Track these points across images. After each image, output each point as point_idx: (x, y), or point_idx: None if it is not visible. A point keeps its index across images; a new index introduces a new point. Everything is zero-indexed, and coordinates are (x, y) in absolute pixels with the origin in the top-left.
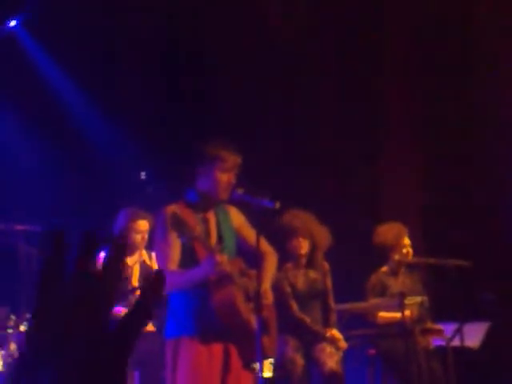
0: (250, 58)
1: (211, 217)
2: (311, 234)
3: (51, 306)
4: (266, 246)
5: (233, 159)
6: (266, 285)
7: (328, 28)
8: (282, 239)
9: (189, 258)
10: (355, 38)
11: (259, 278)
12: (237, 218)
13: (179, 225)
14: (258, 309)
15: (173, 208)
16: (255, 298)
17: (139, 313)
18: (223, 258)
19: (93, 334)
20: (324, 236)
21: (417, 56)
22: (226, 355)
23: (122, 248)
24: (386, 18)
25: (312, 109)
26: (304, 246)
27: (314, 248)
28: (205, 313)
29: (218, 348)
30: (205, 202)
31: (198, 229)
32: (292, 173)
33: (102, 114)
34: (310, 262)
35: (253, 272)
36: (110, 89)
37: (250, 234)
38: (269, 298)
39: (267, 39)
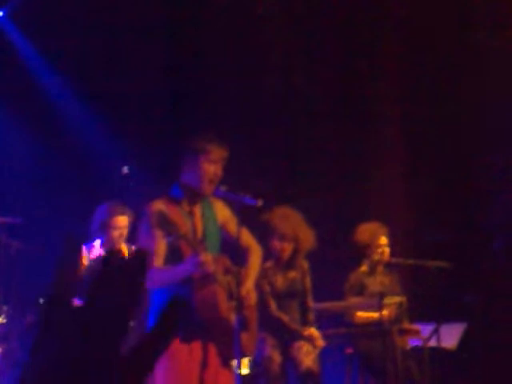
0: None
1: (197, 211)
2: (296, 238)
3: (60, 334)
4: (251, 241)
5: (219, 151)
6: (250, 284)
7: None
8: (265, 236)
9: (174, 255)
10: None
11: (243, 276)
12: (222, 212)
13: (165, 224)
14: (239, 308)
15: (158, 204)
16: (237, 297)
17: (155, 340)
18: (207, 257)
19: (107, 360)
20: (309, 240)
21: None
22: (205, 352)
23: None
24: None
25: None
26: (287, 250)
27: (296, 250)
28: (186, 311)
29: (197, 345)
30: (190, 197)
31: (184, 227)
32: (281, 174)
33: (87, 107)
34: (290, 263)
35: (237, 269)
36: (96, 82)
37: (235, 228)
38: (252, 298)
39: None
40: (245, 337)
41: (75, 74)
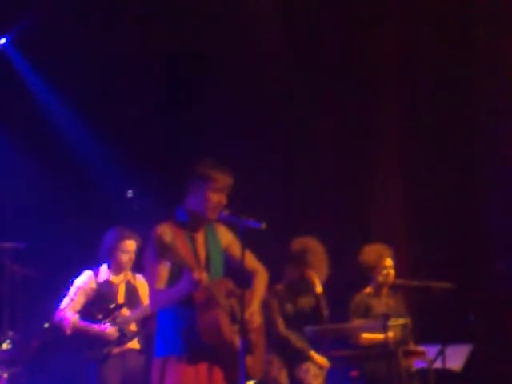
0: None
1: (200, 236)
2: (315, 271)
3: None
4: (256, 264)
5: (225, 180)
6: (255, 306)
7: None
8: (286, 261)
9: (176, 278)
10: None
11: (248, 299)
12: (225, 236)
13: (164, 250)
14: (243, 331)
15: (162, 228)
16: (241, 320)
17: None
18: (202, 275)
19: None
20: (324, 276)
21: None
22: (211, 375)
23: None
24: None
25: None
26: (302, 283)
27: (309, 281)
28: (192, 333)
29: (203, 368)
30: (194, 221)
31: (186, 252)
32: (280, 191)
33: (91, 131)
34: (302, 292)
35: (240, 291)
36: (100, 107)
37: (239, 251)
38: (256, 321)
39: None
40: (250, 360)
41: (79, 100)
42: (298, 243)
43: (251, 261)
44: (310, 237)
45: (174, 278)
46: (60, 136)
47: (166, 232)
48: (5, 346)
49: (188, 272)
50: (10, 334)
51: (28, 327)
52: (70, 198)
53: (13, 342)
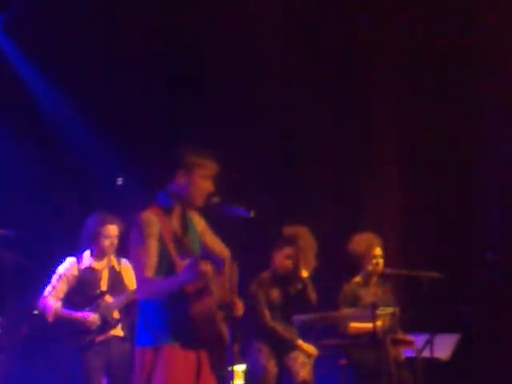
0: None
1: (183, 223)
2: (302, 260)
3: None
4: (226, 253)
5: (213, 167)
6: (235, 296)
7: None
8: (274, 248)
9: (165, 266)
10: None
11: (228, 288)
12: (199, 223)
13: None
14: (229, 318)
15: (148, 215)
16: (226, 307)
17: None
18: (207, 267)
19: None
20: (311, 265)
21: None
22: (199, 364)
23: None
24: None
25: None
26: (288, 269)
27: (295, 269)
28: (182, 322)
29: (192, 357)
30: (178, 208)
31: (169, 241)
32: (273, 183)
33: (81, 118)
34: (288, 280)
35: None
36: (90, 93)
37: (212, 239)
38: (241, 310)
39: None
40: (235, 347)
41: (71, 86)
42: (290, 229)
43: (222, 250)
44: (301, 225)
45: (161, 266)
46: (50, 123)
47: (153, 219)
48: None
49: (192, 262)
50: None
51: (17, 313)
52: (60, 185)
53: (1, 328)
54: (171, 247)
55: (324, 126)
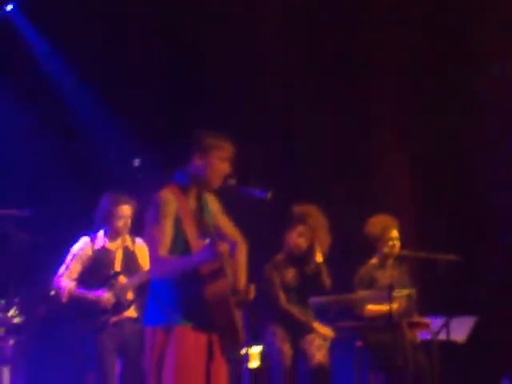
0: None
1: (199, 203)
2: (314, 239)
3: None
4: (237, 235)
5: (230, 149)
6: (244, 279)
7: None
8: (284, 227)
9: (180, 246)
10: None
11: (237, 272)
12: (214, 205)
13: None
14: (243, 303)
15: (167, 194)
16: (239, 291)
17: None
18: (224, 248)
19: None
20: (325, 243)
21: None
22: (210, 347)
23: None
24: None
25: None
26: (303, 248)
27: (310, 249)
28: (195, 303)
29: (203, 339)
30: (195, 188)
31: (187, 220)
32: (285, 162)
33: (98, 101)
34: (303, 261)
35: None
36: (106, 74)
37: (225, 222)
38: (252, 294)
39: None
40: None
41: (83, 66)
42: (299, 208)
43: (234, 232)
44: (310, 204)
45: (175, 246)
46: (68, 105)
47: (170, 198)
48: (11, 313)
49: (210, 243)
50: (16, 301)
51: (34, 295)
52: (75, 165)
53: (19, 310)
54: (187, 227)
55: (331, 108)
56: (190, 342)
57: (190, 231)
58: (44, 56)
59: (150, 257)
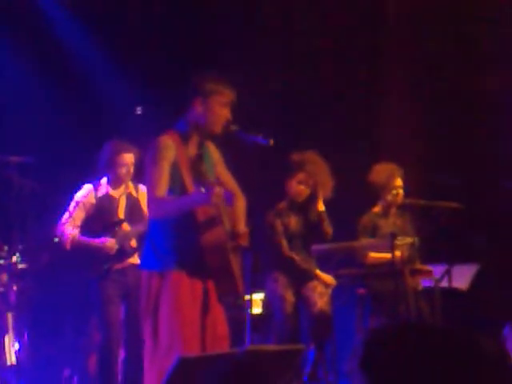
0: None
1: (199, 150)
2: (316, 186)
3: None
4: (236, 187)
5: (230, 94)
6: (243, 226)
7: None
8: (285, 175)
9: (178, 190)
10: None
11: (236, 219)
12: (215, 154)
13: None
14: (240, 247)
15: (166, 140)
16: (236, 236)
17: None
18: (221, 191)
19: None
20: (328, 188)
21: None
22: (206, 293)
23: None
24: None
25: (312, 49)
26: (304, 195)
27: (312, 195)
28: (190, 249)
29: (198, 284)
30: (196, 135)
31: (185, 166)
32: (292, 111)
33: (101, 49)
34: (306, 206)
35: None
36: (112, 25)
37: (224, 172)
38: (246, 241)
39: None
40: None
41: (87, 15)
42: (297, 155)
43: (233, 183)
44: (309, 150)
45: (172, 188)
46: (71, 53)
47: (169, 144)
48: (15, 258)
49: (207, 185)
50: (20, 247)
51: (37, 241)
52: (79, 113)
53: (22, 256)
54: (185, 173)
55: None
56: (185, 287)
57: (188, 177)
58: (47, 5)
59: (148, 198)
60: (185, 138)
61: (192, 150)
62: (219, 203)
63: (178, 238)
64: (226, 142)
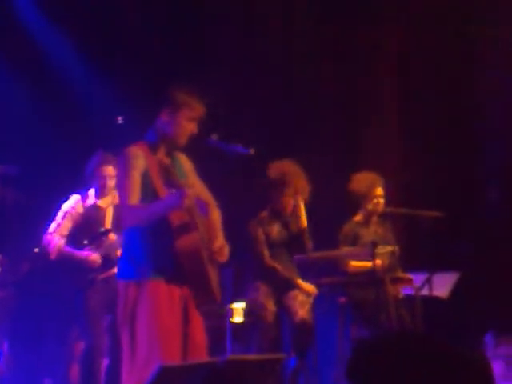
0: None
1: (168, 160)
2: (297, 191)
3: None
4: (209, 197)
5: (200, 109)
6: (222, 240)
7: None
8: (266, 188)
9: (150, 197)
10: None
11: (211, 231)
12: (186, 164)
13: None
14: (212, 261)
15: (135, 150)
16: (213, 251)
17: None
18: (192, 192)
19: None
20: (306, 193)
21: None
22: (185, 301)
23: None
24: None
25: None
26: (290, 205)
27: (295, 209)
28: (166, 256)
29: (176, 292)
30: (164, 145)
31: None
32: (272, 116)
33: (83, 58)
34: (289, 218)
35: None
36: (92, 32)
37: (197, 182)
38: (226, 255)
39: None
40: (215, 284)
41: (69, 23)
42: (274, 168)
43: (206, 193)
44: (285, 160)
45: (145, 196)
46: (53, 62)
47: (138, 153)
48: None
49: (178, 189)
50: (0, 257)
51: (18, 251)
52: (61, 123)
53: (3, 265)
54: (156, 180)
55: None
56: (163, 295)
57: (159, 184)
58: (28, 13)
59: (121, 207)
60: (153, 148)
61: (161, 158)
62: (193, 209)
63: (153, 245)
64: (205, 152)
